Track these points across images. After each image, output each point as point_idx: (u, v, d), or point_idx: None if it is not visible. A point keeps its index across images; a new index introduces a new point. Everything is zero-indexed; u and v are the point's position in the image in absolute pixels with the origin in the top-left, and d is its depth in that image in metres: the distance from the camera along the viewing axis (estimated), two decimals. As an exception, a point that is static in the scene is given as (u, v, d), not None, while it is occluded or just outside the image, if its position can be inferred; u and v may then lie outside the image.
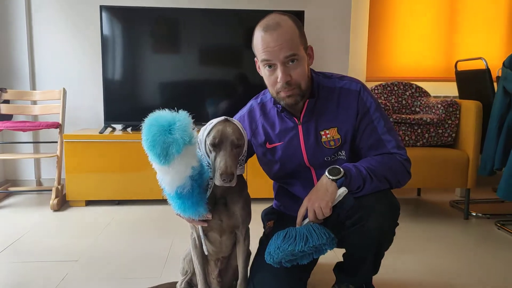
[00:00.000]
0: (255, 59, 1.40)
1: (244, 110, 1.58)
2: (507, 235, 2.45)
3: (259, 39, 1.32)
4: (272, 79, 1.34)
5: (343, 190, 1.27)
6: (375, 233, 1.28)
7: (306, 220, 1.31)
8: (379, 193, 1.32)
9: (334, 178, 1.27)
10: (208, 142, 1.26)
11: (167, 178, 1.19)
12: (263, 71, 1.37)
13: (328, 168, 1.30)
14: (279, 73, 1.30)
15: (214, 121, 1.30)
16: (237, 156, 1.28)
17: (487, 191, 3.44)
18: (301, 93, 1.36)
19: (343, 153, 1.43)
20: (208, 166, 1.29)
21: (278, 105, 1.44)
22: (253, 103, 1.57)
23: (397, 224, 1.35)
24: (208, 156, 1.29)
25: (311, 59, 1.40)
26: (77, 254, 2.11)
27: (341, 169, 1.28)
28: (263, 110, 1.52)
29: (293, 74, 1.31)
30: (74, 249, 2.17)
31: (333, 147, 1.42)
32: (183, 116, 1.17)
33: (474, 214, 2.81)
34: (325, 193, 1.26)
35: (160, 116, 1.16)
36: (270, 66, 1.33)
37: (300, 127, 1.44)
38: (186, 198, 1.22)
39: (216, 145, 1.25)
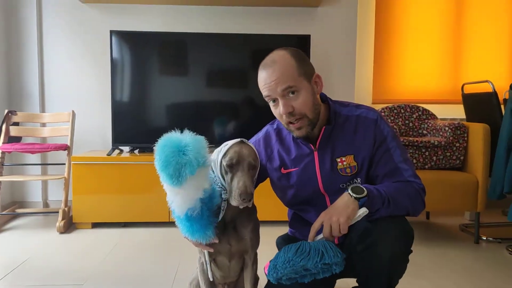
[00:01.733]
0: None
1: (259, 135, 1.59)
2: (519, 260, 2.41)
3: (260, 78, 1.38)
4: (277, 112, 1.38)
5: (363, 211, 1.24)
6: (387, 259, 1.25)
7: (319, 236, 1.28)
8: (393, 218, 1.30)
9: (357, 196, 1.25)
10: (224, 163, 1.27)
11: (178, 199, 1.18)
12: (270, 106, 1.42)
13: (351, 186, 1.29)
14: (280, 106, 1.34)
15: (230, 142, 1.31)
16: (253, 177, 1.28)
17: (497, 215, 3.39)
18: (310, 123, 1.37)
19: (359, 180, 1.43)
20: (221, 188, 1.29)
21: None
22: (268, 128, 1.58)
23: (411, 251, 1.32)
24: (223, 178, 1.29)
25: (318, 87, 1.42)
26: (83, 277, 2.09)
27: (364, 189, 1.27)
28: (278, 136, 1.54)
29: (295, 104, 1.34)
30: (80, 272, 2.16)
31: (349, 174, 1.42)
32: (198, 138, 1.18)
33: (485, 238, 2.76)
34: (345, 209, 1.24)
35: (174, 137, 1.17)
36: (273, 101, 1.38)
37: (316, 154, 1.45)
38: (195, 221, 1.21)
39: (233, 166, 1.26)
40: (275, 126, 1.57)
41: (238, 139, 1.32)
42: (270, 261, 1.44)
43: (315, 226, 1.29)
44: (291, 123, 1.37)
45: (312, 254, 1.21)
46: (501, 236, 2.78)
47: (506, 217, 3.30)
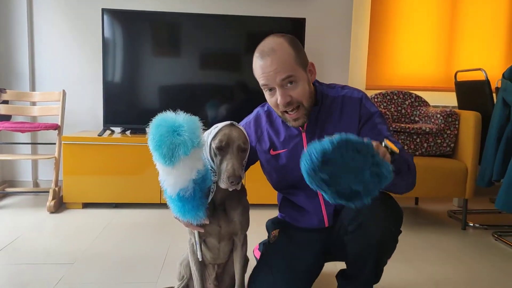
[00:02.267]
0: None
1: (250, 117, 1.60)
2: (504, 246, 2.45)
3: (256, 65, 1.37)
4: (273, 101, 1.38)
5: (391, 168, 1.08)
6: (377, 238, 1.28)
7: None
8: (382, 198, 1.31)
9: (392, 150, 1.13)
10: (213, 146, 1.27)
11: (171, 179, 1.18)
12: (265, 94, 1.41)
13: (384, 138, 1.19)
14: (278, 96, 1.34)
15: (220, 125, 1.31)
16: (242, 160, 1.28)
17: (485, 202, 3.44)
18: (306, 112, 1.40)
19: None
20: (211, 170, 1.29)
21: None
22: (259, 110, 1.59)
23: (400, 232, 1.34)
24: (213, 160, 1.29)
25: (312, 75, 1.43)
26: (73, 257, 2.10)
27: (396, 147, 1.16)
28: (269, 118, 1.55)
29: (293, 94, 1.35)
30: (70, 252, 2.16)
31: None
32: (192, 119, 1.17)
33: (472, 224, 2.81)
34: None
35: (169, 116, 1.16)
36: (270, 90, 1.37)
37: (304, 135, 1.46)
38: (187, 202, 1.21)
39: (223, 149, 1.26)
40: (265, 108, 1.57)
41: (228, 122, 1.32)
42: (261, 244, 1.44)
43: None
44: (286, 112, 1.38)
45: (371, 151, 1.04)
46: (488, 223, 2.83)
47: (493, 205, 3.34)
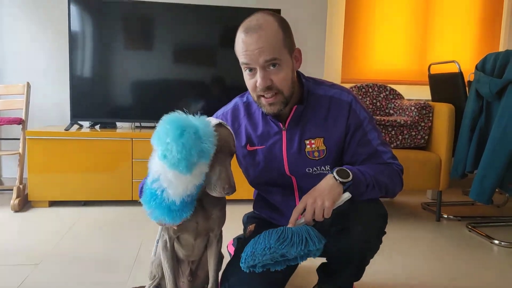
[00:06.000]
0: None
1: (228, 107, 1.49)
2: (477, 237, 2.48)
3: (239, 41, 1.24)
4: (252, 83, 1.26)
5: (347, 195, 1.18)
6: (360, 243, 1.24)
7: (301, 221, 1.21)
8: (367, 201, 1.27)
9: (343, 180, 1.18)
10: None
11: (181, 186, 1.08)
12: (244, 75, 1.29)
13: (335, 169, 1.21)
14: (258, 77, 1.23)
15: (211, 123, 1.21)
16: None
17: (457, 194, 3.50)
18: (285, 100, 1.28)
19: (328, 168, 1.36)
20: None
21: None
22: (238, 101, 1.48)
23: (384, 233, 1.31)
24: None
25: (298, 62, 1.32)
26: (38, 257, 1.99)
27: (350, 172, 1.20)
28: (247, 110, 1.44)
29: (274, 79, 1.23)
30: (35, 252, 2.04)
31: (317, 158, 1.35)
32: (206, 123, 1.08)
33: (446, 216, 2.84)
34: (331, 192, 1.17)
35: (188, 121, 1.06)
36: (250, 70, 1.25)
37: (284, 133, 1.36)
38: (184, 205, 1.13)
39: (216, 153, 1.12)
40: (244, 99, 1.46)
41: (217, 121, 1.19)
42: (235, 240, 1.39)
43: (299, 208, 1.21)
44: (263, 96, 1.27)
45: (295, 240, 1.13)
46: (462, 214, 2.86)
47: (466, 196, 3.40)
